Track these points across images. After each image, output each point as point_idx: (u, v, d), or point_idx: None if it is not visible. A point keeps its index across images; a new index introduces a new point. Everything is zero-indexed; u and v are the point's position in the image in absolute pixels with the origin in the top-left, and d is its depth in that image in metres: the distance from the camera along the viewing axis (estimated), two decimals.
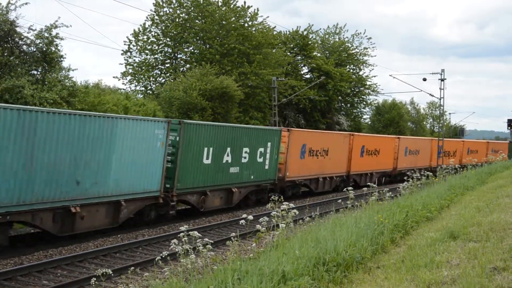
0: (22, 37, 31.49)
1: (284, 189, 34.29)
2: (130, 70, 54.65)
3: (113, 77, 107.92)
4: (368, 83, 74.53)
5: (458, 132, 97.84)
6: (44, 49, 31.77)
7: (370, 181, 41.60)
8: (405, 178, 26.58)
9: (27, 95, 27.88)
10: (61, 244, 19.83)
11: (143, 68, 54.53)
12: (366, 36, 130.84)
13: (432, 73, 53.66)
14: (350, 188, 17.47)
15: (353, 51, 74.34)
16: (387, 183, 41.78)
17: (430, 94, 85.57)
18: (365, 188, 18.75)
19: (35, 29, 31.74)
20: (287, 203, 12.65)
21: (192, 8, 53.83)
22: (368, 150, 43.68)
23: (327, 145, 38.45)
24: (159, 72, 55.57)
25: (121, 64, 58.72)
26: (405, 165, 50.21)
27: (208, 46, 53.31)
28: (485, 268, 9.16)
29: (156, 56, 55.17)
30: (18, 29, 31.09)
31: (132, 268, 10.80)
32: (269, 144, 31.89)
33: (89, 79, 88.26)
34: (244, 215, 11.42)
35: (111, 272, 9.67)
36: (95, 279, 9.61)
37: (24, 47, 31.81)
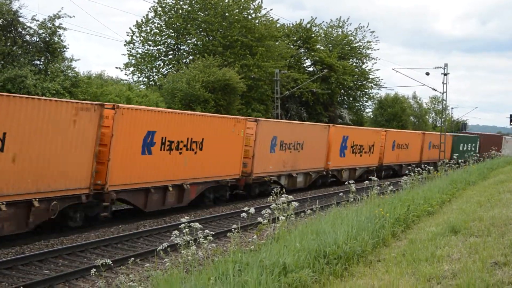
0: (25, 27, 31.51)
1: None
2: (133, 61, 54.65)
3: (116, 67, 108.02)
4: (370, 76, 74.40)
5: (460, 127, 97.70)
6: (47, 39, 31.79)
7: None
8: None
9: (29, 85, 27.90)
10: (62, 234, 19.84)
11: (146, 59, 54.50)
12: (369, 29, 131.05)
13: (435, 68, 53.68)
14: (351, 181, 17.41)
15: (356, 45, 74.16)
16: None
17: (432, 89, 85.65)
18: (366, 182, 18.67)
19: (38, 19, 31.78)
20: (285, 195, 12.62)
21: (195, 0, 53.72)
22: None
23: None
24: (162, 64, 55.56)
25: (124, 55, 58.86)
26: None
27: (211, 38, 53.24)
28: (486, 263, 9.16)
29: (159, 47, 55.14)
30: (21, 19, 31.12)
31: (133, 258, 10.80)
32: None
33: (92, 70, 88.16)
34: (246, 208, 11.42)
35: (110, 263, 9.67)
36: (95, 269, 9.62)
37: (27, 37, 31.83)
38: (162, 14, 54.26)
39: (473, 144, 68.00)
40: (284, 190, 14.80)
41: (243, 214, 11.20)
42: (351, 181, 17.77)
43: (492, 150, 53.24)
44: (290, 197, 12.52)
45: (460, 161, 30.98)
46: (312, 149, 35.88)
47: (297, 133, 34.54)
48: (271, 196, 13.93)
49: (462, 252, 10.43)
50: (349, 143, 40.51)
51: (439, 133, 60.57)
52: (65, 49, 32.98)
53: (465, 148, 63.89)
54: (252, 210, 11.29)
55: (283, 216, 11.91)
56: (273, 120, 38.07)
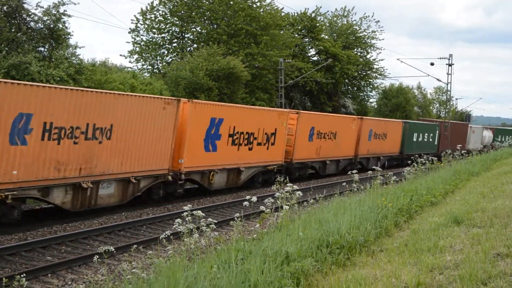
0: (30, 13, 31.50)
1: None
2: (137, 49, 54.62)
3: (120, 55, 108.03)
4: (375, 66, 74.24)
5: (464, 117, 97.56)
6: (52, 26, 31.77)
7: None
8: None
9: (33, 72, 27.90)
10: (65, 221, 19.90)
11: (150, 47, 54.46)
12: (374, 19, 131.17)
13: (440, 58, 53.67)
14: (354, 171, 17.41)
15: (360, 34, 73.96)
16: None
17: (437, 79, 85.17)
18: (369, 172, 18.71)
19: (43, 6, 31.76)
20: (291, 184, 12.62)
21: None
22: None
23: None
24: (166, 52, 55.52)
25: (128, 42, 58.77)
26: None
27: (215, 26, 53.13)
28: (489, 254, 9.15)
29: (163, 35, 55.08)
30: (25, 6, 31.09)
31: (136, 246, 10.82)
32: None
33: (96, 57, 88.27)
34: (248, 197, 11.41)
35: (114, 250, 9.69)
36: (98, 256, 9.64)
37: (32, 23, 31.83)
38: (166, 1, 54.17)
39: (431, 135, 56.18)
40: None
41: (245, 203, 11.18)
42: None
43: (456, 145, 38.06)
44: (295, 186, 12.53)
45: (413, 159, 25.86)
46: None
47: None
48: (274, 185, 13.96)
49: (464, 243, 10.42)
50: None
51: (387, 119, 53.08)
52: (69, 36, 32.97)
53: (420, 140, 53.09)
54: (254, 199, 11.28)
55: (286, 205, 11.90)
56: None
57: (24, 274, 9.41)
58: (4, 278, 8.82)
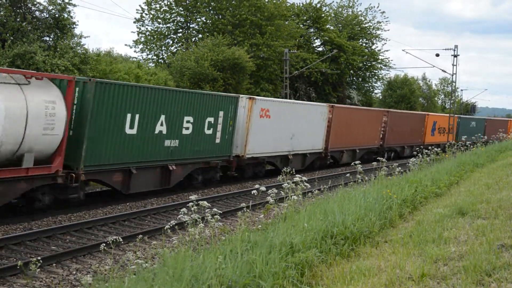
0: (35, 2, 31.50)
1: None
2: (142, 39, 54.58)
3: (125, 45, 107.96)
4: (380, 57, 74.01)
5: (469, 109, 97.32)
6: (57, 15, 31.78)
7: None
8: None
9: (39, 61, 27.92)
10: (70, 210, 19.95)
11: (155, 37, 54.41)
12: (379, 10, 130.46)
13: (445, 49, 53.30)
14: (358, 162, 17.38)
15: (366, 25, 73.72)
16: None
17: (442, 70, 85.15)
18: (374, 163, 18.72)
19: None
20: (299, 175, 12.65)
21: None
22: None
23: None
24: (171, 42, 55.48)
25: (133, 32, 58.74)
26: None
27: (220, 16, 53.02)
28: (493, 245, 9.16)
29: (168, 25, 54.99)
30: None
31: (141, 236, 10.85)
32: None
33: (101, 47, 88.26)
34: (257, 186, 11.44)
35: (121, 240, 9.72)
36: (104, 245, 9.68)
37: (37, 13, 31.82)
38: None
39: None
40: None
41: (254, 191, 11.21)
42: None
43: None
44: (304, 178, 12.55)
45: None
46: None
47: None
48: (280, 176, 14.00)
49: (469, 234, 10.43)
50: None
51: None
52: (74, 26, 32.97)
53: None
54: (263, 188, 11.31)
55: (294, 196, 11.92)
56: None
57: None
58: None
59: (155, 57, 54.87)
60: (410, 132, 50.60)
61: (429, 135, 54.42)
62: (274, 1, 55.12)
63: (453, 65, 53.77)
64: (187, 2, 53.21)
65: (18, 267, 9.98)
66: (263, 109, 29.79)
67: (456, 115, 58.93)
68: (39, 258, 9.17)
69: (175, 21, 55.04)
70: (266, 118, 30.12)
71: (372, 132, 43.74)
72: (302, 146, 34.21)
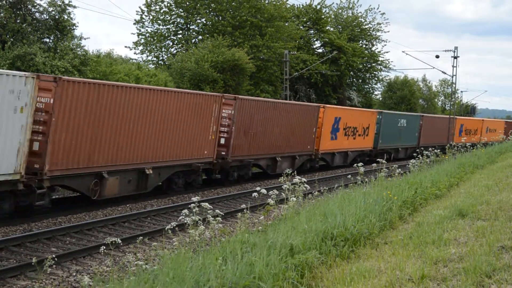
0: (35, 4, 31.54)
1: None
2: (142, 40, 54.58)
3: (125, 46, 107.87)
4: (380, 59, 73.98)
5: (469, 110, 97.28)
6: (57, 17, 31.81)
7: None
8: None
9: (39, 63, 27.95)
10: (70, 212, 19.95)
11: (155, 38, 54.41)
12: (379, 11, 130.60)
13: (445, 50, 53.49)
14: (360, 164, 17.39)
15: (366, 26, 73.69)
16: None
17: (442, 72, 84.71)
18: (374, 164, 18.72)
19: None
20: (299, 177, 12.66)
21: None
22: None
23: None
24: (171, 43, 55.48)
25: (133, 34, 58.74)
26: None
27: (220, 18, 53.03)
28: (493, 247, 9.16)
29: (168, 26, 54.99)
30: None
31: (141, 237, 10.84)
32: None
33: (101, 48, 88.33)
34: (258, 188, 11.45)
35: (120, 241, 9.73)
36: (104, 247, 9.68)
37: (37, 14, 31.86)
38: None
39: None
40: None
41: (254, 194, 11.23)
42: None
43: None
44: (303, 179, 12.55)
45: None
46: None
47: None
48: (282, 177, 14.00)
49: (469, 235, 10.43)
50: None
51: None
52: (74, 27, 33.02)
53: None
54: (263, 191, 11.31)
55: (294, 198, 11.92)
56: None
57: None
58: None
59: (155, 59, 54.88)
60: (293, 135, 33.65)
61: (328, 139, 37.08)
62: (274, 3, 55.11)
63: (453, 66, 53.90)
64: (187, 3, 53.20)
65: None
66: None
67: (376, 110, 46.41)
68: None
69: (175, 22, 55.03)
70: None
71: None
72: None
